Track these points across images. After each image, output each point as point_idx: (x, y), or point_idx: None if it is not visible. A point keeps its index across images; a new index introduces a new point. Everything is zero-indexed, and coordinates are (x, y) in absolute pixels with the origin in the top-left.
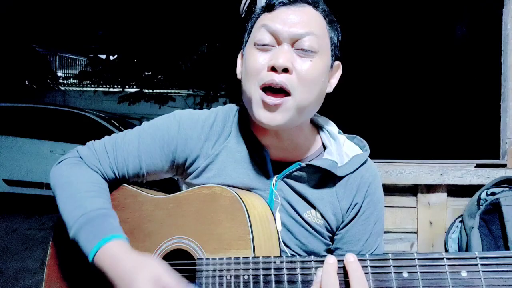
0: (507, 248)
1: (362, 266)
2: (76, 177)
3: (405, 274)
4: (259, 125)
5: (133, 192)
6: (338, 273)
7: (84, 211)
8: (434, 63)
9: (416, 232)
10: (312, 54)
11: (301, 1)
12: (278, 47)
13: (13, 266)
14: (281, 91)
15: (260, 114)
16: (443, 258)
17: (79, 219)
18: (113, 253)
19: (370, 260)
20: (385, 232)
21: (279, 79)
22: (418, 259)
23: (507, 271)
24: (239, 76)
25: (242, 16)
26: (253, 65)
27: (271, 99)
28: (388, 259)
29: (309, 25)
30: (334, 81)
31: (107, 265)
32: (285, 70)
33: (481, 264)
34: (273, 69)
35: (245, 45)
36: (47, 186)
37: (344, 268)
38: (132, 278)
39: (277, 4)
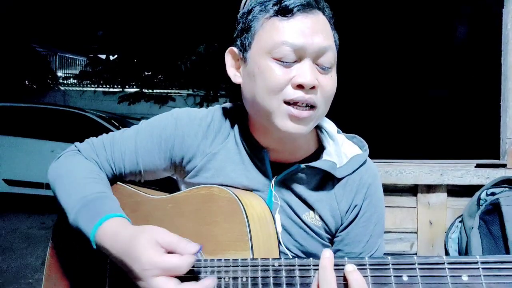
0: (507, 248)
1: (362, 269)
2: (74, 166)
3: (405, 278)
4: (260, 128)
5: (131, 191)
6: (337, 276)
7: (83, 194)
8: (434, 63)
9: (416, 232)
10: (330, 69)
11: (314, 7)
12: (300, 63)
13: (15, 264)
14: (306, 106)
15: (288, 125)
16: (443, 262)
17: (78, 202)
18: (112, 230)
19: (369, 264)
20: (385, 232)
21: (307, 96)
22: (419, 263)
23: (508, 275)
24: (235, 80)
25: None
26: (274, 80)
27: (300, 112)
28: (388, 263)
29: (327, 37)
30: None
31: (108, 243)
32: (312, 87)
33: (483, 268)
34: (299, 86)
35: (250, 48)
36: (47, 186)
37: (344, 277)
38: (132, 245)
39: (295, 10)
